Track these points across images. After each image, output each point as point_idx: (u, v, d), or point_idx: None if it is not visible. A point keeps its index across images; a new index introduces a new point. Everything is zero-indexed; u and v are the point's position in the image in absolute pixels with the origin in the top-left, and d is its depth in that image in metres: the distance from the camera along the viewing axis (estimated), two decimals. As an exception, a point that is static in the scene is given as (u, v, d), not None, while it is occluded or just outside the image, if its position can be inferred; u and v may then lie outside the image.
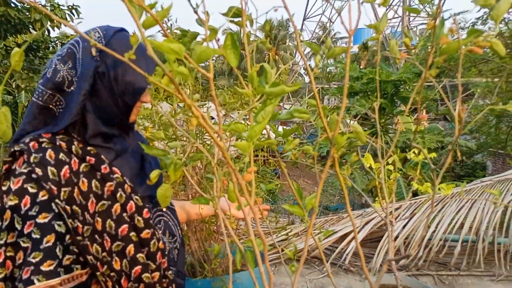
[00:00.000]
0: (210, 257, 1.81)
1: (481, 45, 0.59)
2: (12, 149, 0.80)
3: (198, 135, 1.89)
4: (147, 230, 0.87)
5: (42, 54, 7.40)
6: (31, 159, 0.76)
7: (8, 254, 0.75)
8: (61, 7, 6.45)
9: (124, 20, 0.52)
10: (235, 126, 0.67)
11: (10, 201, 0.75)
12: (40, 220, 0.75)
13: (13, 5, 5.91)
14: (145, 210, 0.88)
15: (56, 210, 0.76)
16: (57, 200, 0.76)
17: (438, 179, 0.77)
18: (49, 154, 0.78)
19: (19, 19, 5.92)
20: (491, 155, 8.45)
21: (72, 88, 0.81)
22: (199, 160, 0.89)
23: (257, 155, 2.10)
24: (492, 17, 0.62)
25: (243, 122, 2.15)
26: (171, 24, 1.98)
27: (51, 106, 0.82)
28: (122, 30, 0.86)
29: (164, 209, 0.99)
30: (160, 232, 0.94)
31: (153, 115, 1.64)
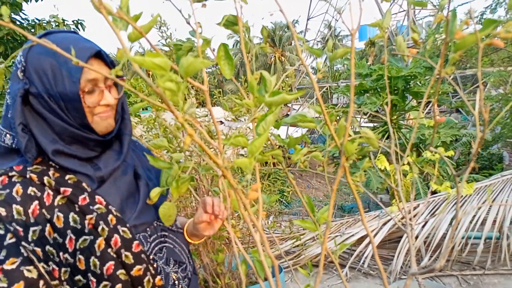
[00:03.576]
0: (223, 271, 1.76)
1: (502, 37, 0.53)
2: None
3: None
4: (138, 267, 0.76)
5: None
6: None
7: None
8: (66, 22, 6.52)
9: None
10: (235, 140, 0.62)
11: None
12: (7, 266, 0.66)
13: (18, 23, 6.00)
14: (135, 243, 0.77)
15: (25, 254, 0.68)
16: (24, 243, 0.68)
17: (462, 185, 0.71)
18: (17, 189, 0.71)
19: (25, 37, 5.99)
20: (507, 146, 8.23)
21: (9, 115, 0.73)
22: (210, 170, 0.82)
23: (266, 162, 2.04)
24: (510, 5, 0.56)
25: (249, 128, 2.10)
26: (170, 33, 1.94)
27: (4, 144, 0.75)
28: (48, 33, 0.76)
29: (167, 234, 0.88)
30: (161, 262, 0.84)
31: (156, 127, 1.60)
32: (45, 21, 6.74)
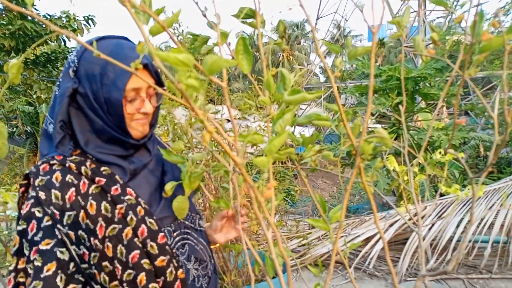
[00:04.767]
0: (229, 268, 1.77)
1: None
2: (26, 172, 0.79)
3: (215, 143, 1.85)
4: (162, 257, 0.79)
5: (60, 64, 7.54)
6: (37, 182, 0.75)
7: (20, 279, 0.73)
8: (77, 18, 6.57)
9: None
10: (252, 137, 0.62)
11: (19, 226, 0.74)
12: (42, 246, 0.72)
13: (29, 18, 6.06)
14: (161, 234, 0.80)
15: (59, 236, 0.73)
16: (59, 226, 0.73)
17: (478, 188, 0.70)
18: (56, 176, 0.76)
19: (36, 31, 6.06)
20: (517, 150, 8.15)
21: (55, 109, 0.80)
22: (221, 169, 0.84)
23: (274, 162, 2.04)
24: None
25: (261, 126, 2.10)
26: (182, 30, 1.95)
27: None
28: (101, 39, 0.81)
29: (190, 231, 0.91)
30: (183, 258, 0.86)
31: (167, 124, 1.60)
32: (56, 16, 6.79)
